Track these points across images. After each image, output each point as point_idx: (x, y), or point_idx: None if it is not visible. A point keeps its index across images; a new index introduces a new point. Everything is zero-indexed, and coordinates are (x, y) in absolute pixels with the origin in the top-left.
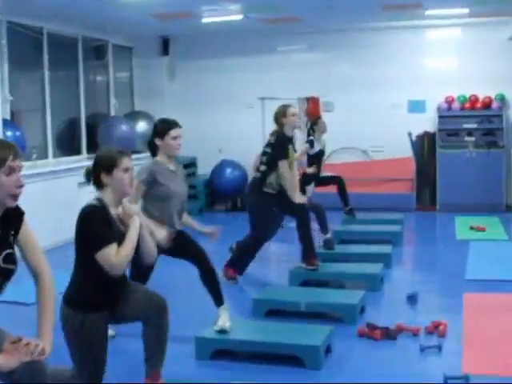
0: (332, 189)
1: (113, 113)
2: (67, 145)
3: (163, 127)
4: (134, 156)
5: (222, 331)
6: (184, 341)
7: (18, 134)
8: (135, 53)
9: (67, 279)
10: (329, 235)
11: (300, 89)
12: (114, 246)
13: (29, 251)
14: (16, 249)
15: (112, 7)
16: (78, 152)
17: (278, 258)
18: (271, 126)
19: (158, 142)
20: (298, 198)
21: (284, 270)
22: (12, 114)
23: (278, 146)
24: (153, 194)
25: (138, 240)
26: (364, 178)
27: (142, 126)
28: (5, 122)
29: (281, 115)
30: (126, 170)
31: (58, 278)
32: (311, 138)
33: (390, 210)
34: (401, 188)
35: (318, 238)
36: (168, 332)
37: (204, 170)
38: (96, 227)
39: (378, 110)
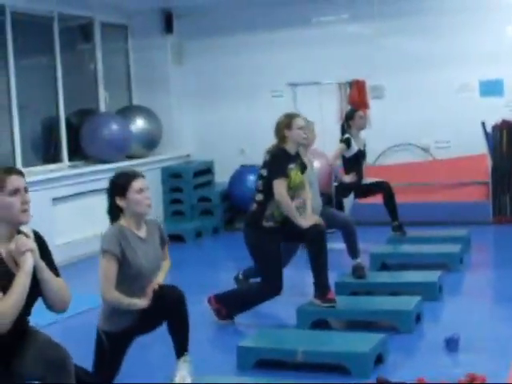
0: (377, 198)
1: (103, 109)
2: (43, 151)
3: (122, 181)
4: (131, 162)
5: None
6: None
7: None
8: (131, 32)
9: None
10: (359, 260)
11: (341, 70)
12: None
13: None
14: None
15: None
16: (56, 159)
17: (287, 289)
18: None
19: (119, 202)
20: (304, 222)
21: (293, 305)
22: None
23: (273, 163)
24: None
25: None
26: (424, 183)
27: (139, 125)
28: None
29: (284, 127)
30: (15, 192)
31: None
32: (347, 135)
33: (460, 223)
34: (473, 195)
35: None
36: None
37: (222, 177)
38: None
39: (441, 95)
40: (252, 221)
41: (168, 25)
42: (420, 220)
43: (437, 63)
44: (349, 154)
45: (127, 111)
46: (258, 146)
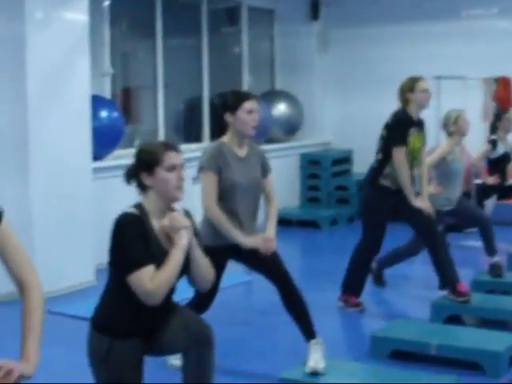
0: None
1: None
2: (185, 130)
3: (235, 99)
4: (270, 146)
5: (314, 373)
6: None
7: (114, 115)
8: (277, 17)
9: None
10: (496, 258)
11: (487, 66)
12: (149, 269)
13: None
14: None
15: None
16: (198, 139)
17: (420, 282)
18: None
19: (228, 117)
20: (418, 202)
21: (426, 299)
22: (115, 91)
23: (394, 128)
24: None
25: (188, 262)
26: None
27: (280, 109)
28: (99, 100)
29: (407, 89)
30: (173, 168)
31: None
32: (494, 137)
33: None
34: None
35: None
36: (213, 370)
37: (360, 167)
38: (128, 244)
39: None
40: (371, 177)
41: (314, 12)
42: None
43: None
44: (494, 155)
45: (270, 95)
46: None
